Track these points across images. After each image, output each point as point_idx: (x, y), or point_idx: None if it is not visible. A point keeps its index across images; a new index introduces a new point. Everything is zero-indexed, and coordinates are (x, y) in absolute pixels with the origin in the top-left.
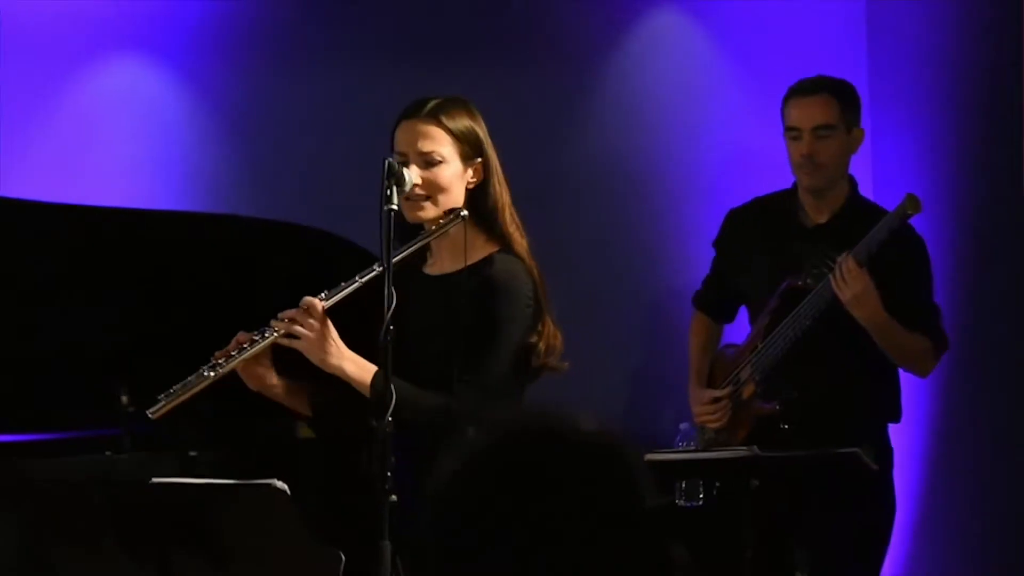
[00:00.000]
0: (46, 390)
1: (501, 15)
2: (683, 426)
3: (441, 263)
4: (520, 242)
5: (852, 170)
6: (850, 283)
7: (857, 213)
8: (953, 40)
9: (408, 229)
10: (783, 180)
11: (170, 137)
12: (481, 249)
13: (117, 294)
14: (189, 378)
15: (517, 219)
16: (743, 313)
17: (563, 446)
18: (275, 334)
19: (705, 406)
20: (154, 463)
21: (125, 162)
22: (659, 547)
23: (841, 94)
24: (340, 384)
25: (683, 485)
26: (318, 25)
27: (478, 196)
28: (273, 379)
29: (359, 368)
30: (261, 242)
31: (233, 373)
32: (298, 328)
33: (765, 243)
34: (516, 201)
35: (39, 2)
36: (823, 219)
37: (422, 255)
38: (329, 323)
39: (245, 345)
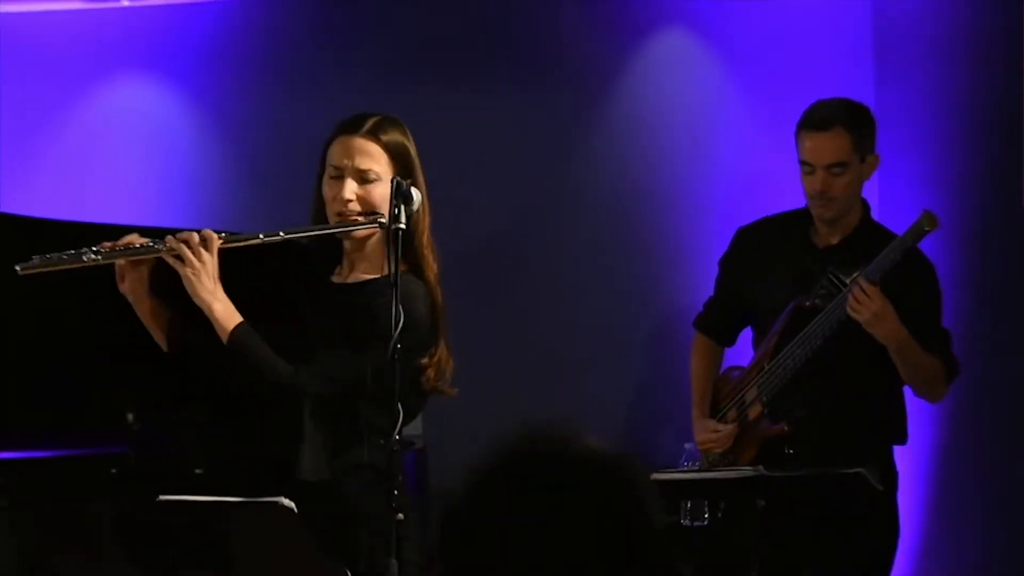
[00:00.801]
0: (52, 407)
1: (508, 34)
2: (688, 446)
3: (351, 273)
4: (431, 266)
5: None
6: (866, 304)
7: (869, 236)
8: (960, 59)
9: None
10: (790, 198)
11: (175, 154)
12: (384, 267)
13: (122, 312)
14: (70, 252)
15: (433, 244)
16: (743, 337)
17: (571, 466)
18: (165, 248)
19: (709, 434)
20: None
21: (131, 179)
22: (667, 567)
23: (855, 125)
24: (202, 327)
25: (688, 505)
26: (323, 43)
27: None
28: (143, 290)
29: (227, 311)
30: (264, 258)
31: None
32: (187, 252)
33: (777, 261)
34: (524, 218)
35: (46, 20)
36: (835, 240)
37: (333, 263)
38: (215, 262)
39: (136, 246)
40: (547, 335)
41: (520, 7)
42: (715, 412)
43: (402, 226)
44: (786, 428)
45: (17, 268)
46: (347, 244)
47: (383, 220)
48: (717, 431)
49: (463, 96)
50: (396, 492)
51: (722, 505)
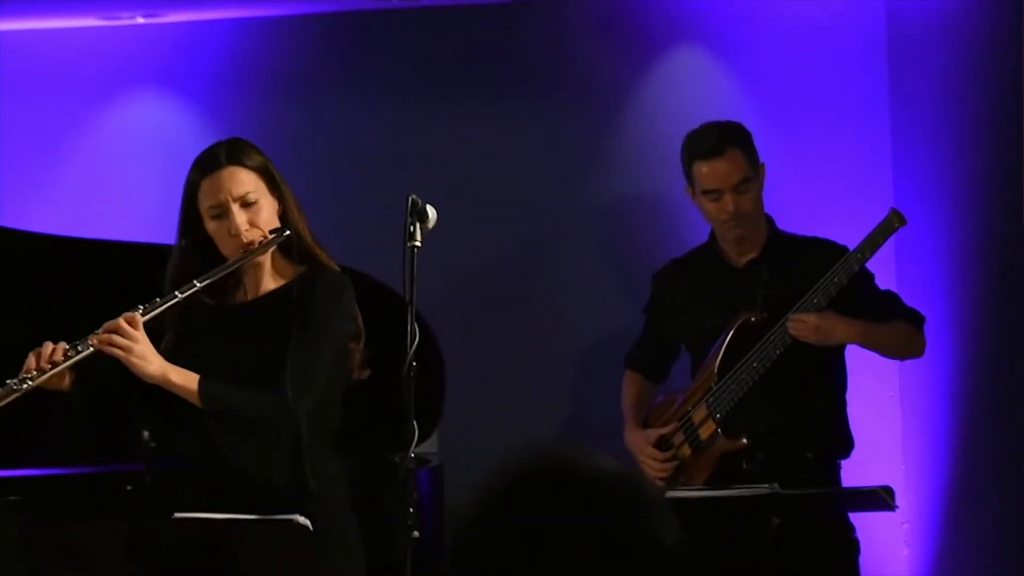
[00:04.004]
0: (67, 425)
1: (520, 53)
2: None
3: (258, 289)
4: (329, 260)
5: (873, 211)
6: (809, 330)
7: (784, 245)
8: (975, 77)
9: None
10: (806, 214)
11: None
12: (290, 270)
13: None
14: None
15: (315, 237)
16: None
17: (579, 485)
18: (93, 347)
19: (652, 449)
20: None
21: (144, 196)
22: None
23: (742, 143)
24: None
25: (703, 523)
26: (337, 62)
27: (281, 224)
28: (66, 382)
29: (183, 376)
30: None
31: None
32: (119, 339)
33: (699, 291)
34: (536, 236)
35: (61, 38)
36: (753, 255)
37: (215, 290)
38: (145, 336)
39: (62, 358)
40: (561, 352)
41: (532, 25)
42: (659, 441)
43: (417, 244)
44: (747, 441)
45: None
46: (244, 267)
47: (287, 231)
48: (662, 436)
49: (475, 114)
50: (411, 510)
51: (738, 523)
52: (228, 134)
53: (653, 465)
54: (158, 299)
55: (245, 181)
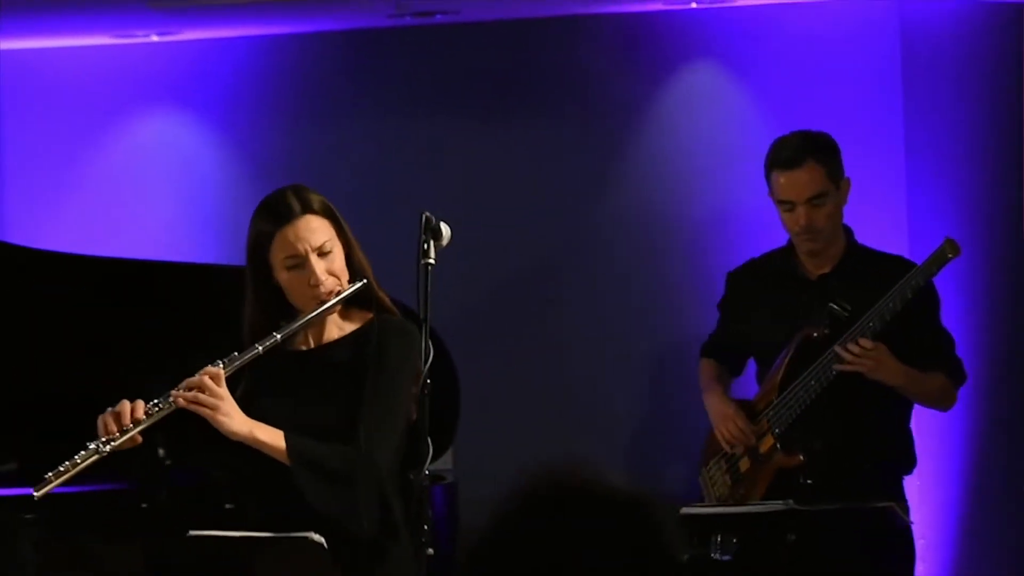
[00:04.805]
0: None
1: (536, 69)
2: None
3: (322, 336)
4: (394, 308)
5: (888, 220)
6: (867, 358)
7: (859, 260)
8: (989, 87)
9: (289, 310)
10: None
11: (204, 189)
12: (357, 316)
13: (161, 345)
14: (81, 453)
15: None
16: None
17: (591, 504)
18: (174, 404)
19: (735, 412)
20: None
21: (160, 214)
22: None
23: (824, 156)
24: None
25: (718, 539)
26: (351, 80)
27: (348, 267)
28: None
29: (269, 434)
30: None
31: None
32: (205, 397)
33: (769, 299)
34: (553, 254)
35: (75, 56)
36: (826, 269)
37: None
38: (228, 393)
39: (143, 416)
40: (578, 369)
41: (548, 42)
42: (717, 450)
43: (431, 261)
44: (803, 458)
45: (34, 494)
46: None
47: (365, 279)
48: (743, 425)
49: (489, 131)
50: (426, 527)
51: (755, 539)
52: (243, 152)
53: (731, 429)
54: (236, 353)
55: (321, 230)
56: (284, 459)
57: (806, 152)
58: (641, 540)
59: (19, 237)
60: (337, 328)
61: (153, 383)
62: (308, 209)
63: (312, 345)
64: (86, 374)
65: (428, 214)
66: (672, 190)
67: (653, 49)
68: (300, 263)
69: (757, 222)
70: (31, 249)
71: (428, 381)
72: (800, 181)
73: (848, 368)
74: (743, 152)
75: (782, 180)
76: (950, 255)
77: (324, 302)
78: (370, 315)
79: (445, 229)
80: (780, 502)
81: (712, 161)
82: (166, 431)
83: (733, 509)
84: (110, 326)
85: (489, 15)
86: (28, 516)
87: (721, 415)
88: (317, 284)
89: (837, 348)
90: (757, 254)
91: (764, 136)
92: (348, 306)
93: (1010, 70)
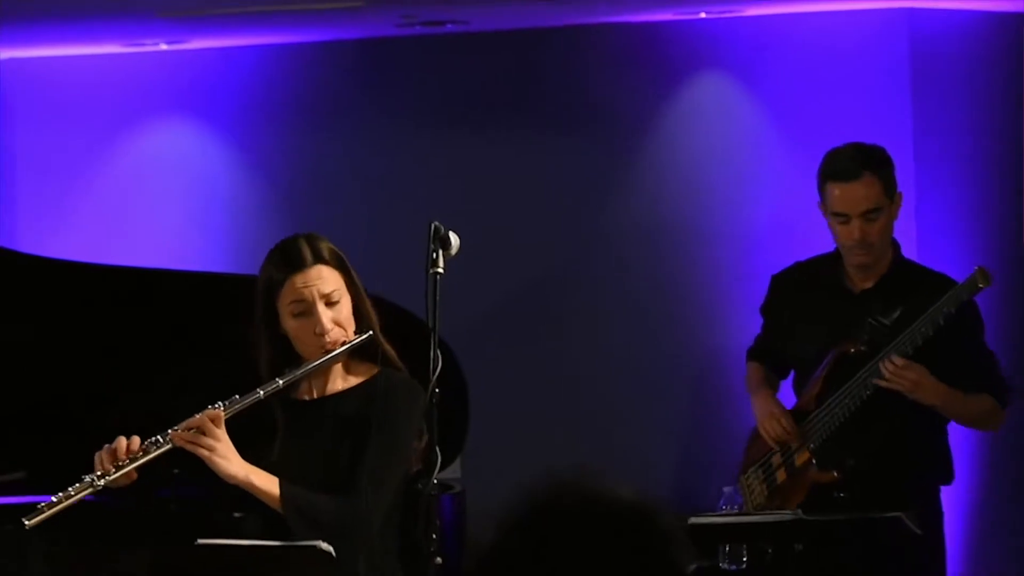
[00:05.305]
0: (89, 450)
1: (545, 79)
2: (727, 490)
3: (327, 386)
4: (399, 362)
5: (897, 229)
6: (904, 378)
7: (904, 276)
8: (998, 97)
9: (296, 357)
10: (830, 243)
11: (214, 197)
12: (361, 369)
13: (171, 354)
14: (73, 486)
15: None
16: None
17: (596, 514)
18: (172, 443)
19: (780, 411)
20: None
21: (170, 221)
22: None
23: (881, 170)
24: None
25: (727, 548)
26: (360, 89)
27: (355, 318)
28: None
29: (264, 480)
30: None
31: None
32: (203, 439)
33: (812, 308)
34: (561, 264)
35: (85, 64)
36: (869, 284)
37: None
38: (226, 435)
39: (139, 452)
40: (586, 379)
41: (557, 52)
42: (756, 459)
43: (440, 270)
44: (837, 475)
45: (25, 522)
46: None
47: (371, 331)
48: (788, 425)
49: (498, 140)
50: (434, 536)
51: (770, 551)
52: (252, 160)
53: (775, 427)
54: (237, 396)
55: (330, 279)
56: (277, 506)
57: (864, 165)
58: (643, 552)
59: (29, 245)
60: (341, 379)
61: (163, 393)
62: (319, 259)
63: (315, 396)
64: (96, 384)
65: (437, 223)
66: (681, 199)
67: (662, 59)
68: (307, 310)
69: (766, 231)
70: (41, 258)
71: (437, 391)
72: (857, 194)
73: (886, 385)
74: (752, 161)
75: (837, 192)
76: (981, 284)
77: (329, 351)
78: (375, 368)
79: (454, 238)
80: (788, 512)
81: (721, 170)
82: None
83: (741, 519)
84: (120, 336)
85: (498, 25)
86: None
87: (768, 413)
88: (323, 333)
89: (880, 365)
90: (766, 261)
91: (772, 146)
92: (353, 358)
93: (1019, 81)
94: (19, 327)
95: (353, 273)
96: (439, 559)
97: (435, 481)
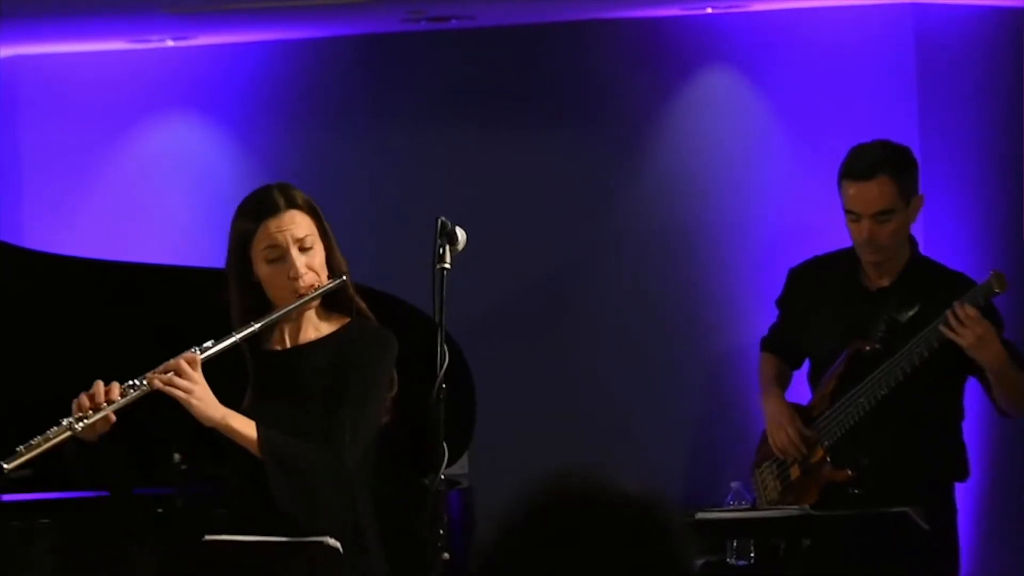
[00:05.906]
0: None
1: (551, 75)
2: (734, 485)
3: (298, 335)
4: (369, 313)
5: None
6: (971, 328)
7: (920, 274)
8: (1006, 93)
9: (268, 306)
10: (837, 239)
11: (221, 194)
12: (333, 319)
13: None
14: (53, 428)
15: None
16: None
17: (600, 511)
18: (149, 385)
19: (791, 418)
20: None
21: (175, 219)
22: None
23: (899, 170)
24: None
25: (734, 544)
26: (366, 85)
27: (328, 269)
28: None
29: (242, 423)
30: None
31: None
32: (180, 380)
33: (828, 304)
34: (568, 260)
35: (90, 61)
36: (886, 282)
37: (258, 335)
38: (203, 378)
39: (118, 396)
40: (594, 375)
41: (562, 47)
42: (770, 454)
43: (447, 266)
44: (851, 473)
45: (3, 466)
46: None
47: (344, 277)
48: (794, 435)
49: (504, 136)
50: (441, 531)
51: (783, 546)
52: (258, 157)
53: (783, 438)
54: (212, 340)
55: (303, 225)
56: (255, 450)
57: (880, 166)
58: (648, 549)
59: (36, 242)
60: (314, 329)
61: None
62: (292, 205)
63: (288, 345)
64: (105, 380)
65: (444, 219)
66: (688, 195)
67: (668, 54)
68: (281, 255)
69: (773, 228)
70: (48, 254)
71: (444, 386)
72: (869, 195)
73: (951, 335)
74: (759, 157)
75: (851, 191)
76: (997, 289)
77: (303, 296)
78: (347, 319)
79: (461, 234)
80: (795, 507)
81: (728, 166)
82: (184, 436)
83: (748, 514)
84: (127, 332)
85: (504, 20)
86: (43, 521)
87: (776, 422)
88: (296, 277)
89: (952, 318)
90: (773, 257)
91: (778, 141)
92: (326, 309)
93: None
94: (25, 324)
95: (326, 223)
96: (446, 555)
97: (442, 477)
